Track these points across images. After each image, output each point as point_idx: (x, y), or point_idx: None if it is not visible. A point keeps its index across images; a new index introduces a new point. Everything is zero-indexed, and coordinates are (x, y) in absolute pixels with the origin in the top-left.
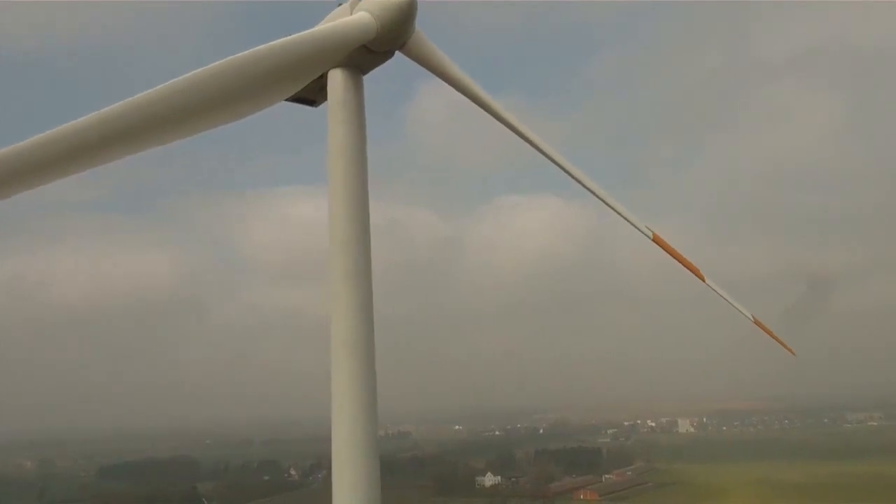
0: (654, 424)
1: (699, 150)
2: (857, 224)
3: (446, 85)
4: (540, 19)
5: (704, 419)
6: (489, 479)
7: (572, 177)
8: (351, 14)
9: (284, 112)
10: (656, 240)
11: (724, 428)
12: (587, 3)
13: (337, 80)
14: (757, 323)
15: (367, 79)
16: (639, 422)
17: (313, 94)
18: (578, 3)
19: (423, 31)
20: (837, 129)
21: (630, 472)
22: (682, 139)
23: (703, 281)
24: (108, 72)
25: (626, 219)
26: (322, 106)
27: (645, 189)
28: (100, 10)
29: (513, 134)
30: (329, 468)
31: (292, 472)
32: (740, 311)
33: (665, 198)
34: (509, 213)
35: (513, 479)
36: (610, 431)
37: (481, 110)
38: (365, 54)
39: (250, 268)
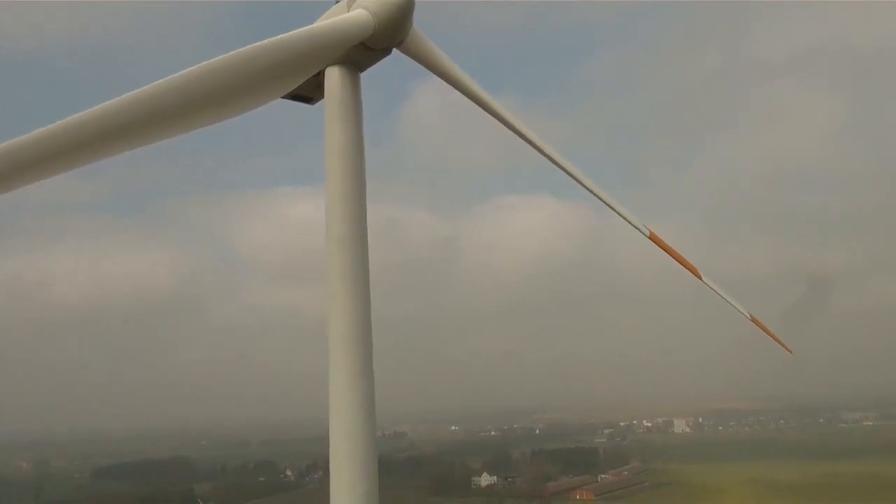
0: (650, 424)
1: (699, 150)
2: (857, 224)
3: (443, 85)
4: (540, 19)
5: (700, 419)
6: (485, 479)
7: (569, 174)
8: (348, 11)
9: (285, 111)
10: (653, 237)
11: (720, 428)
12: (587, 3)
13: (334, 77)
14: (754, 321)
15: (364, 78)
16: (635, 422)
17: (310, 92)
18: (578, 3)
19: (423, 31)
20: (837, 130)
21: (626, 472)
22: (682, 139)
23: (700, 278)
24: (108, 72)
25: (622, 216)
26: (319, 103)
27: (645, 189)
28: (100, 10)
29: (510, 133)
30: (325, 469)
31: (288, 472)
32: (737, 309)
33: (665, 198)
34: (507, 214)
35: (509, 479)
36: (606, 431)
37: (478, 110)
38: (362, 52)
39: (250, 268)
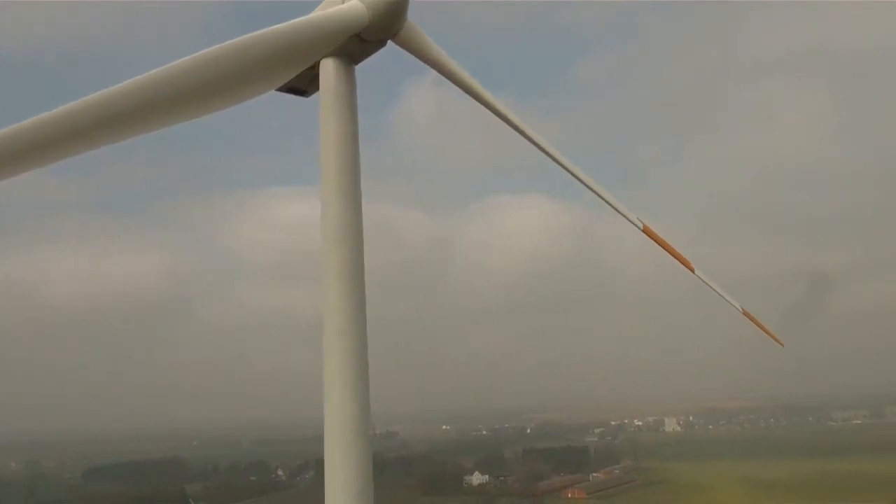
0: (641, 423)
1: (698, 149)
2: (856, 224)
3: (435, 84)
4: (539, 19)
5: (691, 418)
6: (477, 479)
7: (563, 167)
8: (343, 3)
9: (280, 112)
10: (646, 231)
11: (711, 427)
12: (586, 3)
13: (329, 69)
14: (746, 314)
15: (356, 75)
16: (626, 421)
17: (305, 84)
18: (577, 4)
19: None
20: (837, 129)
21: (617, 471)
22: (680, 139)
23: (693, 271)
24: (108, 72)
25: (616, 210)
26: (313, 97)
27: (643, 189)
28: (100, 10)
29: (504, 132)
30: (316, 469)
31: (280, 472)
32: (729, 303)
33: (663, 198)
34: (502, 213)
35: (501, 479)
36: (597, 430)
37: (471, 110)
38: (357, 44)
39: (245, 268)
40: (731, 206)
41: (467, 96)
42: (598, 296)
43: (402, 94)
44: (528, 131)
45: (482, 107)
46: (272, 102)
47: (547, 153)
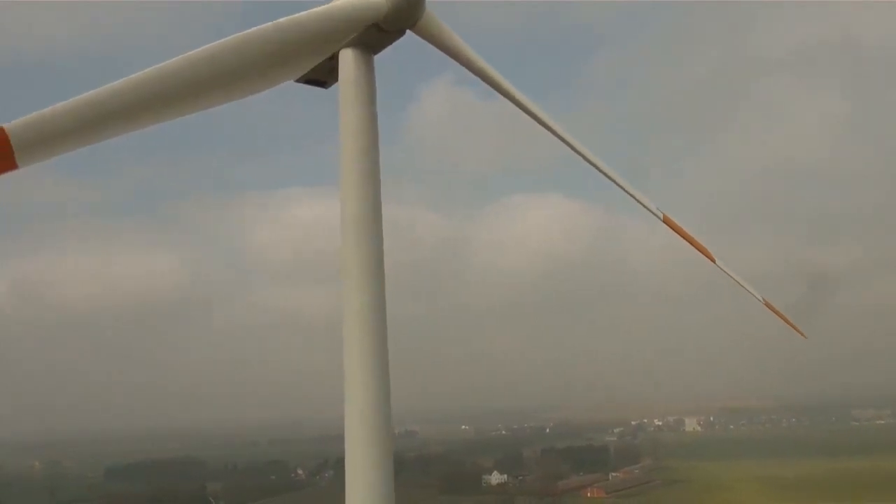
0: (660, 423)
1: (700, 149)
2: (864, 221)
3: (449, 85)
4: (540, 19)
5: (711, 418)
6: (496, 478)
7: (581, 155)
8: None
9: (288, 114)
10: (666, 221)
11: (731, 426)
12: (587, 2)
13: (348, 59)
14: (768, 305)
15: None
16: (646, 420)
17: (324, 75)
18: (578, 3)
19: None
20: (838, 128)
21: (637, 470)
22: (683, 138)
23: (714, 262)
24: (109, 72)
25: (637, 200)
26: (332, 91)
27: (647, 189)
28: (101, 10)
29: (517, 132)
30: (335, 468)
31: (299, 471)
32: (751, 293)
33: (666, 197)
34: (514, 213)
35: (520, 478)
36: (617, 430)
37: (485, 110)
38: (376, 33)
39: (256, 269)
40: (733, 205)
41: (482, 97)
42: (616, 295)
43: (416, 94)
44: (546, 119)
45: (495, 108)
46: (281, 103)
47: (569, 144)
